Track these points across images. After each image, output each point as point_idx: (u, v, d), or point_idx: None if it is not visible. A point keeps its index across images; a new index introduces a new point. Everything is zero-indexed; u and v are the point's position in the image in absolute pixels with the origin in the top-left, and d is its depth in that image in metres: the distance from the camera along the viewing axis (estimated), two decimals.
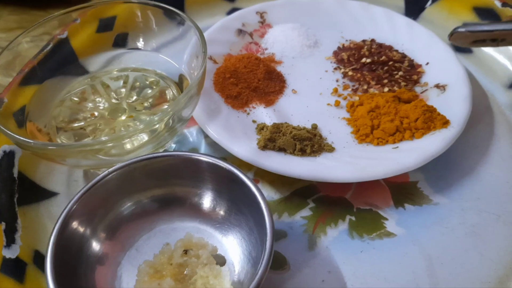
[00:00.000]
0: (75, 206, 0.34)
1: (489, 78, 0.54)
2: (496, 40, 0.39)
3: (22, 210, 0.41)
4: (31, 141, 0.34)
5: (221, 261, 0.36)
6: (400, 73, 0.51)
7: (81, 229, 0.35)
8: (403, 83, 0.50)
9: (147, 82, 0.46)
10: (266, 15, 0.59)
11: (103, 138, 0.34)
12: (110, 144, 0.35)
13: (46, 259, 0.31)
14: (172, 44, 0.47)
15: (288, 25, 0.57)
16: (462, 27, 0.40)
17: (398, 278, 0.37)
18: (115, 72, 0.47)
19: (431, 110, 0.45)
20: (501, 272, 0.38)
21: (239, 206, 0.37)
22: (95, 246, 0.35)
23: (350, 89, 0.51)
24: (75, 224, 0.34)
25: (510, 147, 0.47)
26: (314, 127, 0.46)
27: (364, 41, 0.56)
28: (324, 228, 0.40)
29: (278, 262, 0.38)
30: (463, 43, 0.42)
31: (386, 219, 0.41)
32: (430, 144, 0.42)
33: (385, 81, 0.50)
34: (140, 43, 0.49)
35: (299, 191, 0.43)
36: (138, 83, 0.46)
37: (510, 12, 0.56)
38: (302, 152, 0.42)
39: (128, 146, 0.37)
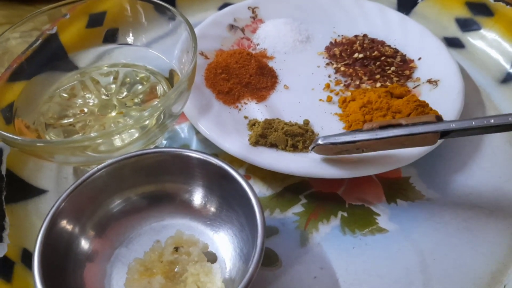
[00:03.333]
0: (63, 204, 0.33)
1: (481, 73, 0.54)
2: (361, 148, 0.38)
3: (10, 208, 0.40)
4: (19, 138, 0.34)
5: (212, 258, 0.35)
6: (393, 68, 0.51)
7: (70, 227, 0.34)
8: (395, 78, 0.50)
9: (138, 78, 0.46)
10: (258, 10, 0.58)
11: (92, 135, 0.34)
12: (99, 141, 0.34)
13: (33, 257, 0.30)
14: (163, 40, 0.47)
15: (280, 20, 0.57)
16: (322, 139, 0.38)
17: (390, 274, 0.37)
18: (105, 68, 0.47)
19: (424, 105, 0.44)
20: (494, 267, 0.37)
21: (230, 202, 0.36)
22: (84, 244, 0.35)
23: (342, 85, 0.50)
24: (63, 222, 0.33)
25: (503, 142, 0.47)
26: (306, 122, 0.45)
27: (356, 36, 0.56)
28: (316, 224, 0.40)
29: (270, 259, 0.38)
30: (326, 153, 0.40)
31: (379, 214, 0.41)
32: None
33: (378, 76, 0.50)
34: (131, 39, 0.48)
35: (291, 187, 0.43)
36: (128, 79, 0.46)
37: (502, 7, 0.56)
38: (294, 148, 0.42)
39: (118, 142, 0.37)
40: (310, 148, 0.41)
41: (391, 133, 0.37)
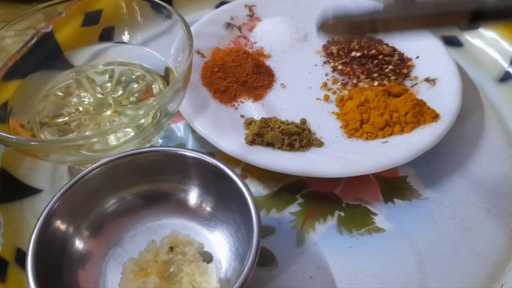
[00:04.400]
0: (58, 203, 0.33)
1: (479, 72, 0.54)
2: (377, 27, 0.32)
3: (4, 208, 0.40)
4: (14, 137, 0.34)
5: (208, 258, 0.35)
6: (390, 67, 0.50)
7: (64, 227, 0.34)
8: (393, 77, 0.50)
9: (133, 77, 0.46)
10: (255, 9, 0.58)
11: (87, 133, 0.34)
12: (94, 139, 0.34)
13: (27, 257, 0.30)
14: (159, 38, 0.47)
15: (277, 19, 0.56)
16: (336, 11, 0.32)
17: (387, 273, 0.37)
18: (100, 66, 0.47)
19: (421, 104, 0.44)
20: (490, 266, 0.37)
21: (226, 202, 0.36)
22: (79, 244, 0.35)
23: (339, 83, 0.50)
24: (58, 222, 0.33)
25: (500, 141, 0.46)
26: (303, 121, 0.45)
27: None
28: (313, 224, 0.40)
29: (266, 259, 0.37)
30: (335, 32, 0.34)
31: (376, 214, 0.41)
32: (420, 138, 0.42)
33: (375, 75, 0.50)
34: (126, 37, 0.48)
35: (287, 187, 0.43)
36: (124, 78, 0.45)
37: None
38: (291, 147, 0.42)
39: (113, 141, 0.37)
40: (316, 24, 0.33)
41: (417, 10, 0.31)
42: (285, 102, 0.48)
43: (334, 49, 0.53)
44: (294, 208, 0.41)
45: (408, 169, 0.44)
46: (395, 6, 0.32)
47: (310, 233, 0.39)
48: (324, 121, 0.46)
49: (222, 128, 0.43)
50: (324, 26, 0.33)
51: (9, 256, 0.36)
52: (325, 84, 0.50)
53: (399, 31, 0.33)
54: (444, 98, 0.45)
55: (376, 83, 0.49)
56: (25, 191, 0.42)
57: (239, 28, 0.56)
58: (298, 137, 0.42)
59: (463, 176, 0.43)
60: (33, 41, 0.45)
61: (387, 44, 0.54)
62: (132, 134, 0.38)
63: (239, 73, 0.48)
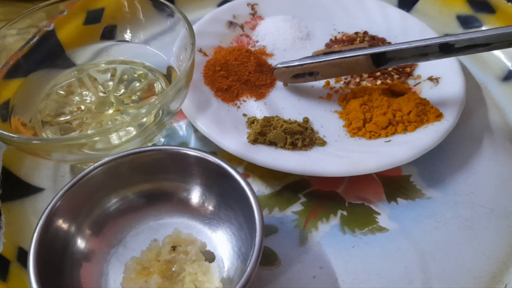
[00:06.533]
0: (59, 202, 0.33)
1: (482, 71, 0.54)
2: (313, 73, 0.45)
3: (6, 207, 0.40)
4: (15, 135, 0.33)
5: (210, 257, 0.35)
6: None
7: (66, 226, 0.34)
8: (396, 76, 0.49)
9: (135, 75, 0.45)
10: (257, 7, 0.58)
11: (89, 132, 0.33)
12: (96, 138, 0.34)
13: (28, 256, 0.30)
14: (161, 37, 0.46)
15: (279, 17, 0.56)
16: (280, 64, 0.47)
17: (390, 273, 0.37)
18: (102, 65, 0.47)
19: (424, 103, 0.44)
20: (494, 266, 0.37)
21: (228, 201, 0.36)
22: (81, 243, 0.34)
23: (342, 82, 0.50)
24: (59, 221, 0.33)
25: (504, 140, 0.46)
26: (306, 120, 0.45)
27: (356, 33, 0.55)
28: (316, 223, 0.40)
29: (268, 258, 0.37)
30: (285, 79, 0.47)
31: (379, 213, 0.40)
32: (423, 137, 0.41)
33: (378, 73, 0.50)
34: (128, 36, 0.48)
35: (290, 186, 0.43)
36: (126, 76, 0.45)
37: (504, 4, 0.55)
38: (293, 146, 0.42)
39: (115, 140, 0.37)
40: (273, 73, 0.48)
41: (330, 57, 0.43)
42: (288, 101, 0.48)
43: (336, 47, 0.53)
44: (297, 207, 0.41)
45: (411, 168, 0.44)
46: (318, 53, 0.45)
47: (312, 232, 0.39)
48: (327, 120, 0.45)
49: (224, 127, 0.43)
50: (276, 72, 0.47)
51: (11, 255, 0.36)
52: (327, 83, 0.49)
53: (325, 75, 0.45)
54: (447, 97, 0.45)
55: (379, 82, 0.49)
56: (27, 190, 0.42)
57: (242, 27, 0.56)
58: (301, 136, 0.42)
59: (467, 175, 0.43)
60: (34, 40, 0.45)
61: (390, 43, 0.53)
62: (134, 133, 0.37)
63: (241, 72, 0.48)
